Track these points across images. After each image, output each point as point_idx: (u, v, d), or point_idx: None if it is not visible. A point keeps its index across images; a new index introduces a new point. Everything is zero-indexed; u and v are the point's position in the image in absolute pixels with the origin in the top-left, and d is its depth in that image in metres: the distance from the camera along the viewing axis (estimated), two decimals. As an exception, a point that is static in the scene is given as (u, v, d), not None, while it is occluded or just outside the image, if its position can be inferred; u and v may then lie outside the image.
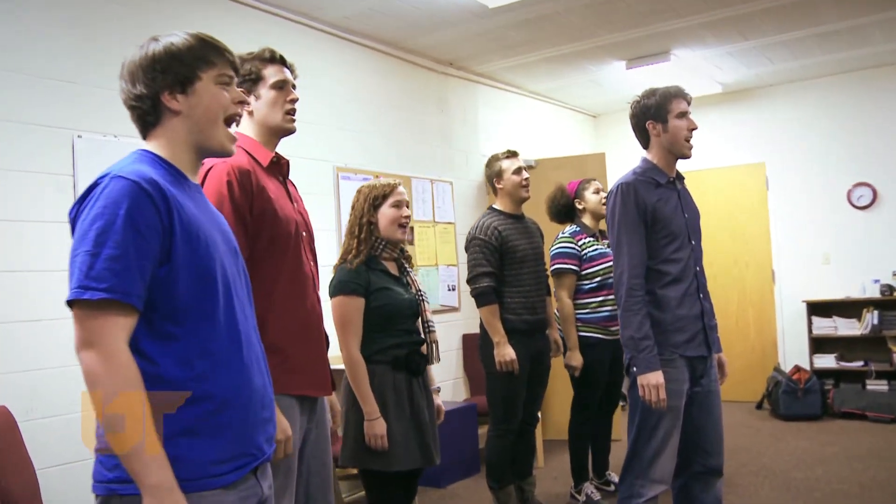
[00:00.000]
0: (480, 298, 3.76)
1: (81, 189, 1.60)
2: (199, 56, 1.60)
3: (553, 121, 7.34)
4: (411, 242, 5.45)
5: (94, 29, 3.68)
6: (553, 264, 4.11)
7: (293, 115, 2.32)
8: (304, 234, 2.31)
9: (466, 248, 3.87)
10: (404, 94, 5.57)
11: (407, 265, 3.02)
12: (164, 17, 3.99)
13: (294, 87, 2.35)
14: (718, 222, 7.37)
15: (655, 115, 2.88)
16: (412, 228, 5.46)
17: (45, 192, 3.39)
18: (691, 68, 6.26)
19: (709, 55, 6.01)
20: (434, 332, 2.94)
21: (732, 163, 7.36)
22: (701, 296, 2.86)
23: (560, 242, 4.15)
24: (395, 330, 2.83)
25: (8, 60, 3.35)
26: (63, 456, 3.24)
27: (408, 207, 2.96)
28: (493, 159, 3.97)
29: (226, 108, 1.62)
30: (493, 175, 3.95)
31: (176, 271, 1.45)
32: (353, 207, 2.96)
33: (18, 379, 3.16)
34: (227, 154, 1.67)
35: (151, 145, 1.60)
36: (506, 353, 3.69)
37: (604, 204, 4.23)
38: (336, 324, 2.80)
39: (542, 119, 7.16)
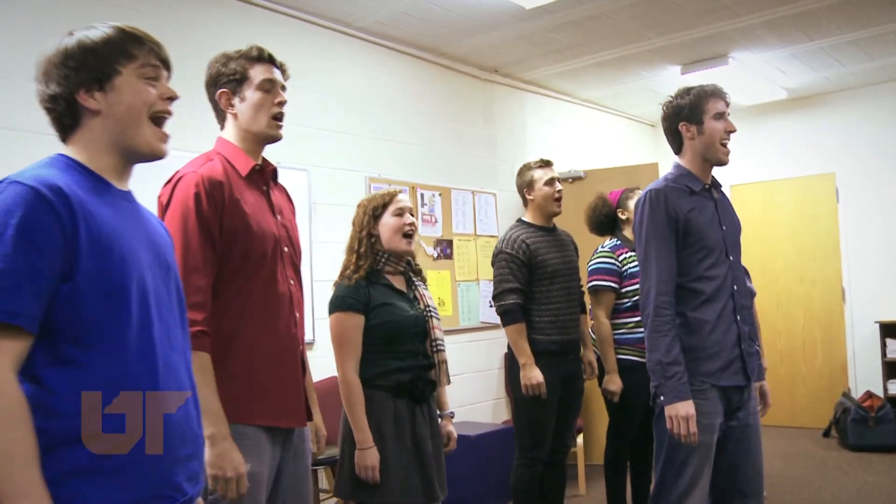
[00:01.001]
0: (506, 317, 3.52)
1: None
2: (118, 49, 1.44)
3: (608, 130, 7.04)
4: (448, 256, 5.24)
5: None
6: (590, 281, 3.83)
7: (280, 120, 2.12)
8: (285, 249, 2.12)
9: (493, 263, 3.64)
10: (445, 102, 5.38)
11: (416, 279, 2.81)
12: (172, 22, 3.90)
13: (284, 88, 2.16)
14: (784, 237, 6.94)
15: (689, 116, 2.60)
16: (450, 242, 5.26)
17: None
18: (752, 72, 5.88)
19: (771, 58, 5.62)
20: (442, 351, 2.70)
21: (799, 173, 6.90)
22: (738, 318, 2.55)
23: (599, 257, 3.87)
24: (398, 351, 2.62)
25: (10, 67, 3.31)
26: None
27: (411, 215, 2.75)
28: (525, 168, 3.73)
29: (150, 104, 1.46)
30: (523, 185, 3.71)
31: (81, 289, 1.28)
32: (353, 223, 2.77)
33: None
34: (157, 156, 1.50)
35: (70, 149, 1.44)
36: (532, 375, 3.43)
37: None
38: (333, 342, 2.62)
39: (596, 128, 6.86)
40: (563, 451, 3.70)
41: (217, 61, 2.15)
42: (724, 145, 2.60)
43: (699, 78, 5.73)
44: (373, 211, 2.72)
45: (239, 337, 1.97)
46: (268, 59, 2.13)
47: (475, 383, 5.27)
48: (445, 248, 5.23)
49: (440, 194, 5.24)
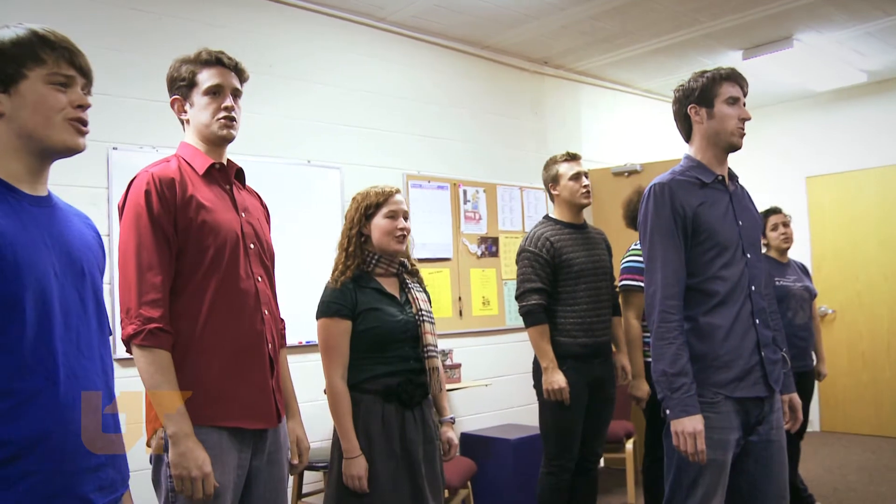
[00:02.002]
0: (528, 318, 3.35)
1: (115, 202, 1.46)
2: (27, 52, 1.39)
3: (670, 121, 6.69)
4: (494, 253, 5.09)
5: (123, 40, 3.66)
6: (621, 280, 3.61)
7: (229, 121, 2.07)
8: (251, 246, 2.08)
9: (517, 262, 3.48)
10: (488, 95, 5.23)
11: (411, 281, 2.69)
12: (199, 23, 3.91)
13: (237, 92, 2.11)
14: (865, 232, 6.44)
15: (700, 99, 2.38)
16: (496, 239, 5.11)
17: (78, 207, 3.36)
18: (824, 55, 5.45)
19: (843, 38, 5.19)
20: (434, 357, 2.57)
21: (883, 162, 6.37)
22: (757, 322, 2.31)
23: (631, 255, 3.65)
24: (387, 356, 2.51)
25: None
26: None
27: (406, 219, 2.63)
28: (551, 162, 3.55)
29: (58, 111, 1.40)
30: (549, 180, 3.53)
31: None
32: (345, 217, 2.67)
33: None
34: (74, 150, 1.45)
35: None
36: (554, 380, 3.26)
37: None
38: (320, 349, 2.53)
39: (657, 120, 6.54)
40: (593, 461, 3.50)
41: (171, 67, 2.12)
42: (741, 131, 2.36)
43: (763, 63, 5.41)
44: (365, 209, 2.61)
45: (199, 335, 1.94)
46: (216, 62, 2.08)
47: (521, 385, 5.07)
48: (490, 246, 5.08)
49: (484, 190, 5.10)
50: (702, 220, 2.30)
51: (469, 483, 4.02)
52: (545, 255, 3.35)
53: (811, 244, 6.68)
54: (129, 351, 1.89)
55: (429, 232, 4.74)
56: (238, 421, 1.96)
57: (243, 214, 2.10)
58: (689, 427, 2.17)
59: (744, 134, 2.37)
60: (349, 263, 2.57)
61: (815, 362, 4.35)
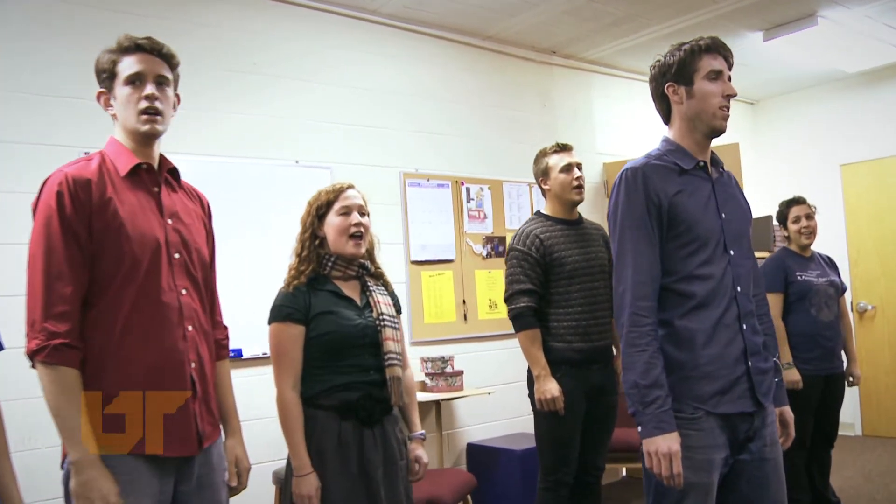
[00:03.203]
0: (517, 322, 3.13)
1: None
2: None
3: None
4: (500, 253, 4.85)
5: (98, 44, 3.50)
6: (621, 279, 3.36)
7: (151, 114, 1.89)
8: (176, 255, 1.91)
9: (505, 262, 3.25)
10: (492, 88, 5.00)
11: (373, 284, 2.48)
12: (186, 23, 3.78)
13: (163, 80, 1.93)
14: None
15: (677, 76, 2.11)
16: (503, 239, 4.87)
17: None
18: (852, 33, 5.08)
19: (873, 12, 4.82)
20: (395, 366, 2.35)
21: (923, 147, 5.98)
22: (745, 327, 2.05)
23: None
24: (343, 365, 2.30)
25: (11, 82, 3.29)
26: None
27: (362, 214, 2.43)
28: (541, 154, 3.32)
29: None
30: (539, 173, 3.30)
31: None
32: (300, 222, 2.48)
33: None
34: None
35: None
36: (547, 388, 3.02)
37: None
38: (271, 356, 2.35)
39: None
40: (594, 474, 3.25)
41: (97, 58, 1.95)
42: (724, 110, 2.09)
43: (786, 44, 5.09)
44: (317, 210, 2.43)
45: (111, 352, 1.78)
46: (135, 49, 1.91)
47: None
48: (497, 246, 4.85)
49: (489, 188, 4.87)
50: (679, 209, 2.04)
51: (469, 497, 3.80)
52: (535, 253, 3.12)
53: (847, 236, 6.29)
54: (33, 367, 1.73)
55: (429, 233, 4.54)
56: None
57: (170, 220, 1.93)
58: (663, 447, 1.92)
59: (727, 115, 2.11)
60: (303, 268, 2.39)
61: (845, 364, 4.02)
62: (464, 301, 4.63)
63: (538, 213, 3.29)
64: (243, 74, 3.95)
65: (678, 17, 4.73)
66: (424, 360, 4.23)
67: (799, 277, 3.86)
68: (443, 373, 4.15)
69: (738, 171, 4.93)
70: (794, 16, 4.80)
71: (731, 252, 2.08)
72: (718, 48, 2.11)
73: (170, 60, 1.97)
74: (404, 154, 4.50)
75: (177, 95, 2.05)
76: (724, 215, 2.10)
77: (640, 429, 1.98)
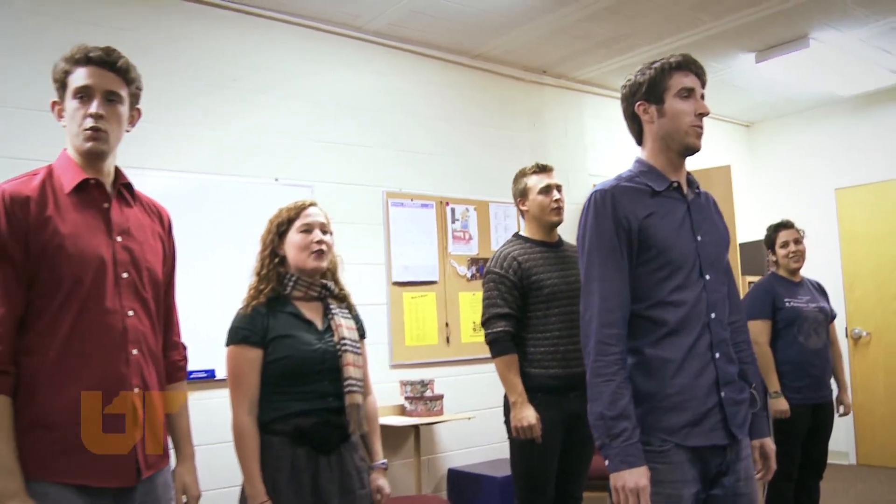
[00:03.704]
0: (494, 347, 3.03)
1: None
2: None
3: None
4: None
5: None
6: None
7: (94, 132, 1.80)
8: (124, 275, 1.82)
9: (483, 285, 3.17)
10: (480, 107, 4.94)
11: (336, 306, 2.39)
12: (164, 38, 3.73)
13: (114, 96, 1.85)
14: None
15: (648, 94, 2.04)
16: (488, 261, 4.77)
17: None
18: (846, 55, 5.02)
19: (866, 35, 4.76)
20: (354, 393, 2.26)
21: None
22: (717, 355, 1.96)
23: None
24: (301, 391, 2.21)
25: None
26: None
27: (324, 232, 2.36)
28: (519, 175, 3.24)
29: None
30: (517, 194, 3.22)
31: None
32: (260, 240, 2.41)
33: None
34: None
35: None
36: (523, 416, 2.92)
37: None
38: (227, 379, 2.26)
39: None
40: (572, 504, 3.14)
41: (54, 65, 1.88)
42: (697, 128, 2.02)
43: (779, 66, 5.03)
44: (277, 227, 2.36)
45: (44, 377, 1.69)
46: (87, 61, 1.83)
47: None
48: (482, 267, 4.76)
49: (475, 208, 4.79)
50: (650, 233, 1.96)
51: (447, 526, 3.69)
52: (512, 276, 3.03)
53: (842, 261, 6.19)
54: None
55: (411, 253, 4.45)
56: (83, 478, 1.69)
57: (119, 238, 1.85)
58: (630, 482, 1.82)
59: (701, 133, 2.04)
60: (262, 287, 2.31)
61: (835, 392, 3.91)
62: (447, 323, 4.54)
63: (517, 235, 3.21)
64: (223, 90, 3.88)
65: (669, 37, 4.67)
66: (404, 384, 4.13)
67: (787, 304, 3.76)
68: (422, 397, 4.05)
69: (730, 193, 4.87)
70: (786, 37, 4.75)
71: (707, 276, 2.00)
72: (690, 65, 2.04)
73: (125, 75, 1.88)
74: (387, 173, 4.43)
75: (137, 110, 1.97)
76: (699, 238, 2.02)
77: (607, 462, 1.89)
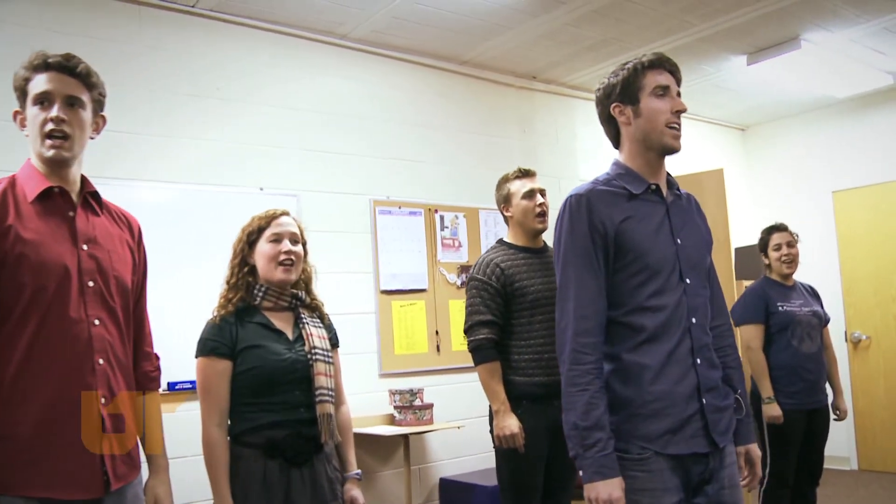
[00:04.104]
0: (476, 354, 2.98)
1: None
2: None
3: (684, 136, 6.21)
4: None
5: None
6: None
7: (56, 137, 1.77)
8: (90, 284, 1.79)
9: (466, 292, 3.12)
10: (470, 114, 4.90)
11: (308, 315, 2.35)
12: (145, 48, 3.70)
13: (74, 101, 1.81)
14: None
15: (622, 95, 2.00)
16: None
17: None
18: (839, 56, 4.97)
19: (858, 35, 4.71)
20: (325, 403, 2.22)
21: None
22: (698, 361, 1.90)
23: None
24: (272, 403, 2.17)
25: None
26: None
27: (294, 242, 2.32)
28: (503, 180, 3.19)
29: None
30: (501, 200, 3.17)
31: None
32: (232, 248, 2.37)
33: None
34: None
35: None
36: (506, 425, 2.86)
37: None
38: (197, 391, 2.22)
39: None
40: (559, 515, 3.07)
41: (14, 74, 1.85)
42: (672, 127, 1.97)
43: (771, 69, 5.00)
44: (248, 236, 2.32)
45: (7, 386, 1.66)
46: (46, 67, 1.80)
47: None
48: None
49: (464, 215, 4.74)
50: (626, 237, 1.90)
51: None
52: (495, 283, 2.98)
53: (840, 264, 6.13)
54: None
55: (399, 261, 4.40)
56: (45, 490, 1.65)
57: (85, 247, 1.81)
58: (603, 493, 1.77)
59: (678, 132, 1.99)
60: (231, 297, 2.28)
61: (830, 397, 3.85)
62: (437, 332, 4.49)
63: (500, 241, 3.16)
64: (206, 99, 3.85)
65: (658, 40, 4.63)
66: (392, 393, 4.07)
67: (780, 308, 3.70)
68: (411, 406, 4.00)
69: (723, 197, 4.81)
70: (777, 39, 4.70)
71: (688, 280, 1.94)
72: (663, 63, 2.00)
73: (85, 79, 1.85)
74: (374, 181, 4.39)
75: (101, 117, 1.94)
76: (679, 241, 1.97)
77: (581, 473, 1.83)
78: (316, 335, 2.29)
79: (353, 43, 4.32)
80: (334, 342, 2.42)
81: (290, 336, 2.27)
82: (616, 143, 2.10)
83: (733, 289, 4.59)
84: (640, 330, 1.88)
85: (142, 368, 1.97)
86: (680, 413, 1.86)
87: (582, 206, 1.93)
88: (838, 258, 6.13)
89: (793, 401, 3.64)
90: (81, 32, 3.53)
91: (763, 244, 3.91)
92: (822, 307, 3.87)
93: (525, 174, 3.13)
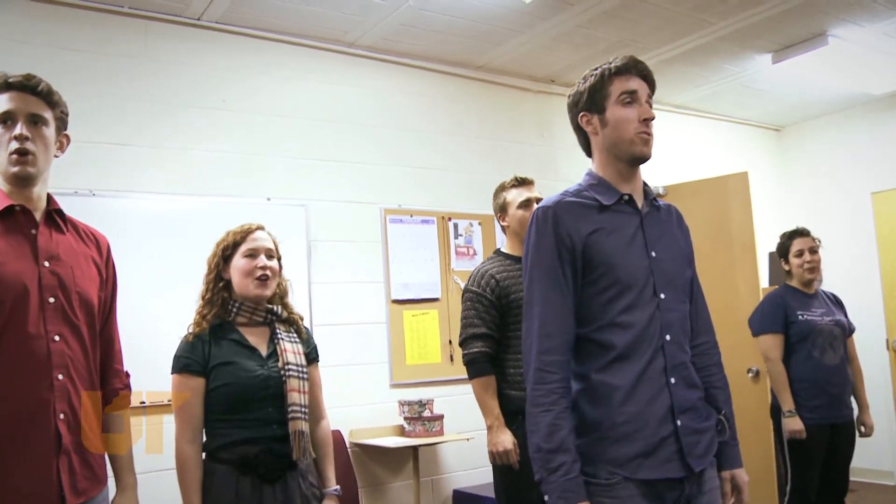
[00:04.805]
0: (470, 368, 2.91)
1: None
2: None
3: (708, 139, 6.02)
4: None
5: (65, 84, 3.46)
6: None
7: (21, 154, 1.78)
8: (50, 300, 1.79)
9: (461, 304, 3.05)
10: (485, 120, 4.82)
11: (284, 330, 2.32)
12: (148, 60, 3.74)
13: (37, 118, 1.83)
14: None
15: (589, 104, 1.92)
16: (495, 275, 4.65)
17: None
18: (870, 52, 4.75)
19: (890, 30, 4.49)
20: (297, 420, 2.19)
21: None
22: (672, 381, 1.80)
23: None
24: (245, 419, 2.16)
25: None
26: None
27: (269, 257, 2.31)
28: (499, 189, 3.12)
29: None
30: (497, 209, 3.10)
31: None
32: (206, 263, 2.35)
33: None
34: None
35: None
36: (500, 440, 2.79)
37: None
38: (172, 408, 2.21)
39: (686, 137, 5.91)
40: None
41: None
42: (643, 135, 1.87)
43: (795, 65, 4.79)
44: (222, 251, 2.31)
45: None
46: (7, 87, 1.82)
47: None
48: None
49: (479, 223, 4.68)
50: (595, 251, 1.81)
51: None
52: (489, 295, 2.90)
53: (881, 268, 5.86)
54: None
55: (411, 270, 4.36)
56: None
57: (47, 263, 1.82)
58: (567, 520, 1.69)
59: (648, 139, 1.89)
60: (205, 312, 2.28)
61: (856, 412, 3.67)
62: (450, 341, 4.42)
63: (497, 252, 3.09)
64: (213, 111, 3.87)
65: (676, 40, 4.50)
66: (402, 404, 4.02)
67: (800, 317, 3.54)
68: (420, 417, 3.94)
69: (748, 201, 4.65)
70: (802, 36, 4.52)
71: (662, 295, 1.84)
72: (631, 68, 1.90)
73: (47, 98, 1.87)
74: (385, 189, 4.35)
75: (65, 136, 1.96)
76: (653, 254, 1.86)
77: (546, 497, 1.75)
78: (290, 351, 2.26)
79: (360, 51, 4.29)
80: (313, 357, 2.39)
81: (265, 352, 2.25)
82: (588, 153, 2.01)
83: (759, 296, 4.41)
84: (610, 348, 1.79)
85: (111, 385, 1.98)
86: (652, 436, 1.76)
87: (548, 219, 1.85)
88: (878, 262, 5.87)
89: (815, 415, 3.48)
90: (88, 49, 3.58)
91: (783, 250, 3.75)
92: (845, 316, 3.69)
93: (521, 182, 3.06)
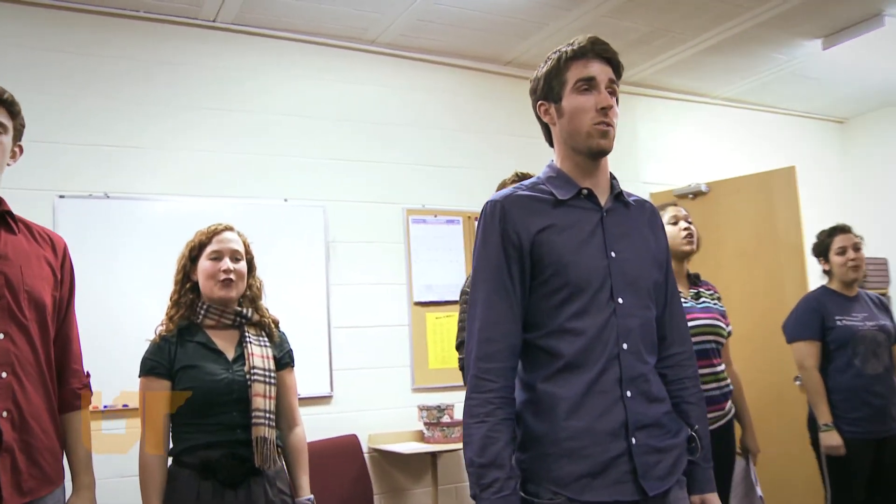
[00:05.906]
0: (466, 373, 2.78)
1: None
2: None
3: (759, 132, 5.67)
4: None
5: (70, 85, 3.55)
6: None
7: None
8: None
9: (459, 306, 2.93)
10: (513, 116, 4.66)
11: (253, 334, 2.26)
12: (160, 63, 3.77)
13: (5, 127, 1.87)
14: None
15: (546, 92, 1.77)
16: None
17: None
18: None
19: (953, 9, 4.13)
20: (260, 426, 2.13)
21: None
22: (628, 394, 1.64)
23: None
24: (208, 423, 2.12)
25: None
26: None
27: (236, 260, 2.27)
28: (500, 187, 2.98)
29: None
30: (497, 208, 2.95)
31: None
32: (176, 263, 2.33)
33: None
34: None
35: None
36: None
37: (685, 238, 2.99)
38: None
39: (731, 131, 5.58)
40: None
41: None
42: (601, 126, 1.71)
43: (847, 51, 4.46)
44: (190, 252, 2.28)
45: None
46: None
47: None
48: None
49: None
50: (544, 250, 1.66)
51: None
52: (487, 297, 2.77)
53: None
54: None
55: (434, 272, 4.25)
56: None
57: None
58: (499, 541, 1.55)
59: (607, 130, 1.73)
60: (173, 314, 2.26)
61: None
62: (475, 345, 4.29)
63: (498, 252, 2.95)
64: (228, 112, 3.87)
65: (713, 27, 4.25)
66: (421, 409, 3.93)
67: (839, 322, 3.27)
68: (438, 423, 3.84)
69: (795, 197, 4.35)
70: (854, 18, 4.20)
71: (620, 300, 1.67)
72: (588, 52, 1.73)
73: (10, 107, 1.91)
74: (407, 189, 4.26)
75: (19, 146, 1.98)
76: (613, 254, 1.70)
77: (478, 517, 1.62)
78: (258, 355, 2.20)
79: (380, 48, 4.22)
80: (286, 361, 2.33)
81: (231, 355, 2.21)
82: (551, 143, 1.86)
83: (805, 299, 4.11)
84: (558, 356, 1.64)
85: (68, 385, 1.97)
86: (601, 454, 1.60)
87: (495, 214, 1.71)
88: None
89: (857, 429, 3.21)
90: (105, 53, 3.63)
91: (823, 248, 3.47)
92: (891, 321, 3.39)
93: (522, 178, 2.91)
